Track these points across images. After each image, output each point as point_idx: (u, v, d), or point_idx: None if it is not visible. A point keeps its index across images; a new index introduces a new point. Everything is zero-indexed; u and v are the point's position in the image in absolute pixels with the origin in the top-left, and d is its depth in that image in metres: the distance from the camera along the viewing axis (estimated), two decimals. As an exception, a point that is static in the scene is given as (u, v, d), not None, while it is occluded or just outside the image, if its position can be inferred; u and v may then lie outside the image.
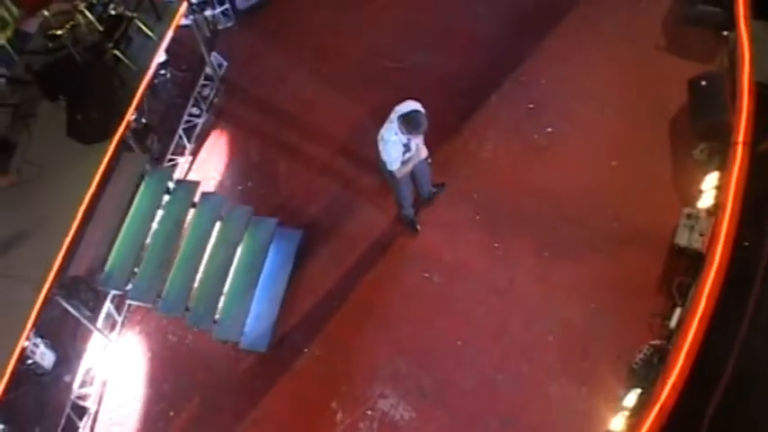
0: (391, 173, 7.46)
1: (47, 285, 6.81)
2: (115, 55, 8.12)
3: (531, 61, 9.40)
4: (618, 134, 8.57)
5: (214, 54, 10.27)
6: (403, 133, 6.98)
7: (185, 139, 9.63)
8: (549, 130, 8.78)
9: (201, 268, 7.95)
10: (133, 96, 8.15)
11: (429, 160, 7.63)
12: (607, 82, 9.04)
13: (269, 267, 8.25)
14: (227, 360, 7.96)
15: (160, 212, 8.06)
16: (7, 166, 7.73)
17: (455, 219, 8.38)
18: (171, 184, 8.22)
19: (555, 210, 8.17)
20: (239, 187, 9.16)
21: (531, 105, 9.00)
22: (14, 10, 8.40)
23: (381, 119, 7.21)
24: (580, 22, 9.71)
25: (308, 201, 8.91)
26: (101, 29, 7.91)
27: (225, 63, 10.40)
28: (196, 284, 7.83)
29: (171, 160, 9.39)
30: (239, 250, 8.19)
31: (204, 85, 10.06)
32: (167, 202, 8.14)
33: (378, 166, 7.50)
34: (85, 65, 7.84)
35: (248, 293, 7.98)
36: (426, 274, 8.06)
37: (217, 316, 7.84)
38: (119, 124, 7.85)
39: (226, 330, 7.82)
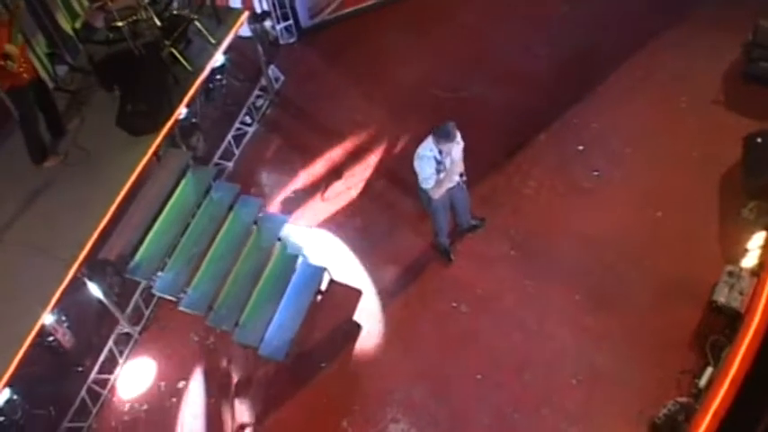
0: (429, 198, 7.50)
1: (76, 264, 6.93)
2: (172, 53, 8.33)
3: (585, 104, 9.36)
4: (666, 185, 8.43)
5: (272, 67, 10.45)
6: (436, 145, 7.04)
7: (234, 146, 9.77)
8: (596, 173, 8.69)
9: (232, 270, 7.99)
10: (184, 95, 8.33)
11: (464, 178, 7.59)
12: (660, 131, 8.92)
13: (297, 279, 8.25)
14: (245, 365, 7.97)
15: (197, 210, 8.15)
16: (57, 148, 7.96)
17: (490, 252, 8.31)
18: (212, 183, 8.33)
19: (593, 254, 8.03)
20: (279, 198, 9.21)
21: (581, 147, 8.92)
22: (84, 2, 8.72)
23: (426, 146, 7.34)
24: (638, 70, 9.66)
25: (347, 218, 8.93)
26: (159, 26, 8.11)
27: (282, 77, 10.58)
28: (224, 286, 7.86)
29: (217, 164, 9.54)
30: (272, 258, 8.21)
31: (259, 96, 10.24)
32: (206, 201, 8.23)
33: (418, 191, 7.51)
34: (142, 59, 8.07)
35: (273, 302, 7.98)
36: (455, 304, 7.98)
37: (240, 319, 7.84)
38: (167, 120, 8.03)
39: (247, 335, 7.82)
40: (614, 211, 8.35)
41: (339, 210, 9.05)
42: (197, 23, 8.70)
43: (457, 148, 7.26)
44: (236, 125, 9.98)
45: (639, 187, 8.48)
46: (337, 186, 9.23)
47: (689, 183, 8.39)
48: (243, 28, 9.26)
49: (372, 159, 9.42)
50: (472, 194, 8.05)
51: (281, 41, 11.01)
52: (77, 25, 8.74)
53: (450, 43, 10.55)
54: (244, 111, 10.08)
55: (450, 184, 7.49)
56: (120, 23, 7.97)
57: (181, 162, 8.23)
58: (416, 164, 7.22)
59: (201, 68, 8.61)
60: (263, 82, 10.29)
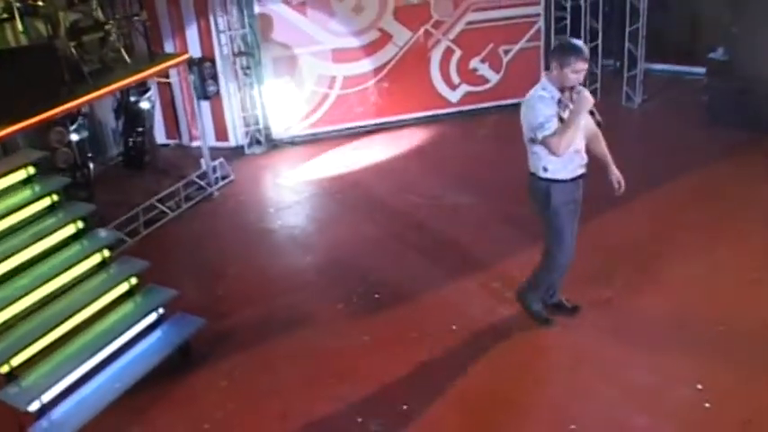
0: (547, 190, 5.10)
1: None
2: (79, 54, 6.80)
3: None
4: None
5: (221, 160, 8.47)
6: (553, 83, 4.90)
7: (141, 221, 7.47)
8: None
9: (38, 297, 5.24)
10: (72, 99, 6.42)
11: (599, 119, 5.01)
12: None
13: (138, 349, 5.38)
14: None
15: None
16: None
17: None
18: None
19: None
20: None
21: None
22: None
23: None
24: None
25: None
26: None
27: (231, 176, 8.49)
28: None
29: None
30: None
31: (192, 184, 8.12)
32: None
33: (529, 186, 5.26)
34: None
35: (80, 363, 5.08)
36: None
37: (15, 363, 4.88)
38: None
39: (18, 393, 4.80)
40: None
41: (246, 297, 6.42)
42: (114, 35, 7.04)
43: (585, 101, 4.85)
44: (153, 201, 7.75)
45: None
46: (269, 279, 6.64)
47: None
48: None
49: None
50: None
51: (247, 151, 9.14)
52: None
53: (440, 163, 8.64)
54: (169, 190, 7.95)
55: (581, 167, 5.13)
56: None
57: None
58: (526, 111, 4.98)
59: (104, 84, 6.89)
60: (204, 167, 8.22)
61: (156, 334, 5.59)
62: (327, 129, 9.48)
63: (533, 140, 4.97)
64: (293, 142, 9.42)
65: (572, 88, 4.84)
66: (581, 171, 5.15)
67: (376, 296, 6.20)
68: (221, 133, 9.24)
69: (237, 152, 9.20)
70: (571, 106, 4.85)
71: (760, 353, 5.09)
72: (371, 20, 9.15)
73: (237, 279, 6.77)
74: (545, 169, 5.06)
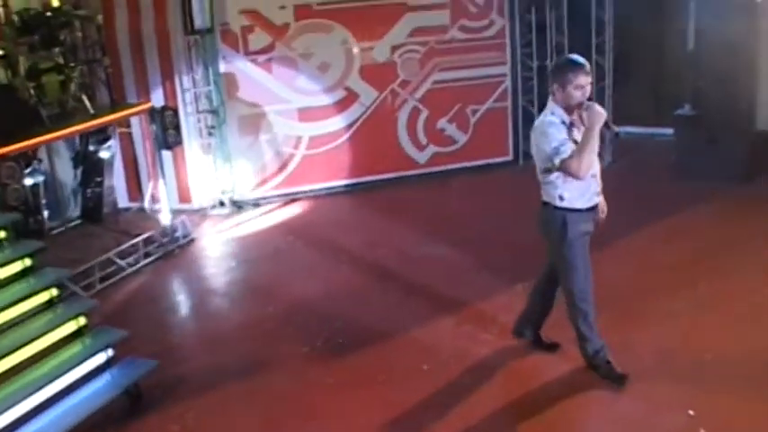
0: (563, 225, 4.81)
1: None
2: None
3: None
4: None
5: (183, 218, 8.23)
6: (560, 105, 4.69)
7: (97, 276, 7.16)
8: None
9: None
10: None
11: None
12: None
13: (84, 392, 5.01)
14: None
15: None
16: None
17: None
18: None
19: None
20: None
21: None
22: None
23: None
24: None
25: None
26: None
27: (191, 236, 8.22)
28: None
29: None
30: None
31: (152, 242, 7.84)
32: None
33: (540, 214, 5.00)
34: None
35: (20, 402, 4.69)
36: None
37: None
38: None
39: None
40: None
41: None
42: (74, 79, 6.90)
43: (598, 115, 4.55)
44: (111, 255, 7.44)
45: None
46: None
47: None
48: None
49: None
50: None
51: (211, 212, 8.90)
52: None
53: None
54: (127, 244, 7.68)
55: (597, 195, 4.95)
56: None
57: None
58: (537, 137, 4.73)
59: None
60: (164, 222, 7.97)
61: (105, 376, 5.20)
62: (293, 190, 9.26)
63: (548, 170, 4.70)
64: (258, 204, 9.18)
65: (580, 106, 4.60)
66: (597, 200, 4.94)
67: (341, 341, 5.87)
68: (184, 195, 8.95)
69: (201, 213, 8.94)
70: (581, 127, 4.63)
71: (751, 377, 4.88)
72: (337, 78, 9.09)
73: (195, 329, 6.48)
74: (561, 198, 4.79)
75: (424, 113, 9.46)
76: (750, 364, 5.04)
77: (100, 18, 8.32)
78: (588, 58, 4.86)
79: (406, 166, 9.57)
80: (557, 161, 4.57)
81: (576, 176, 4.57)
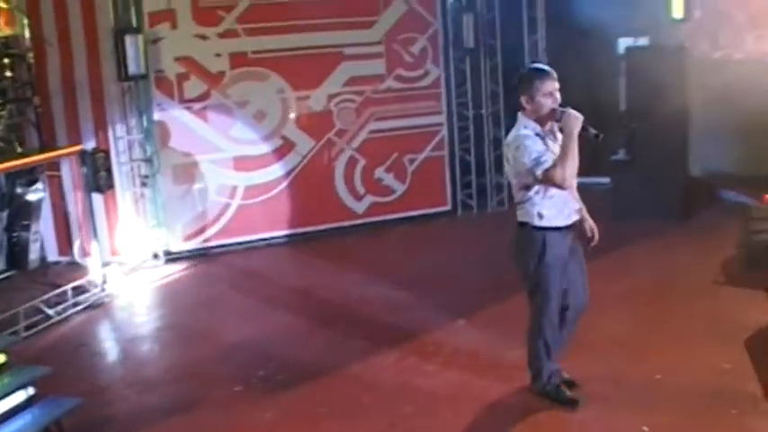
0: (536, 235, 4.65)
1: None
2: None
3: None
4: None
5: (115, 266, 7.97)
6: (531, 118, 4.59)
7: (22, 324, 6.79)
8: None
9: None
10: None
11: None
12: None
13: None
14: None
15: None
16: None
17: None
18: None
19: None
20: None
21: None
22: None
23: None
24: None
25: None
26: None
27: (126, 285, 7.93)
28: None
29: None
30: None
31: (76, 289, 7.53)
32: None
33: (516, 232, 4.82)
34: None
35: None
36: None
37: None
38: None
39: None
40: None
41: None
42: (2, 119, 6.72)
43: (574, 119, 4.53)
44: (37, 302, 7.14)
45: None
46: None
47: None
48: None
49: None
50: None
51: (144, 264, 8.61)
52: None
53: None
54: (55, 292, 7.40)
55: (576, 213, 4.78)
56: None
57: None
58: (512, 153, 4.59)
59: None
60: (93, 272, 7.69)
61: (26, 415, 4.86)
62: (228, 241, 9.03)
63: (527, 187, 4.57)
64: (192, 255, 8.92)
65: (551, 116, 4.49)
66: (576, 217, 4.76)
67: (279, 377, 5.65)
68: (116, 245, 8.59)
69: (133, 264, 8.61)
70: (556, 139, 4.55)
71: (700, 391, 4.94)
72: (274, 127, 9.01)
73: (124, 372, 6.14)
74: (540, 216, 4.62)
75: (362, 163, 9.42)
76: (697, 380, 5.10)
77: (31, 56, 8.14)
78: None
79: (344, 217, 9.45)
80: (539, 172, 4.42)
81: (560, 185, 4.42)
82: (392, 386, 5.39)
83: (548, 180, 4.42)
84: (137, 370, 6.12)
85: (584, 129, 4.39)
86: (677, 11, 8.58)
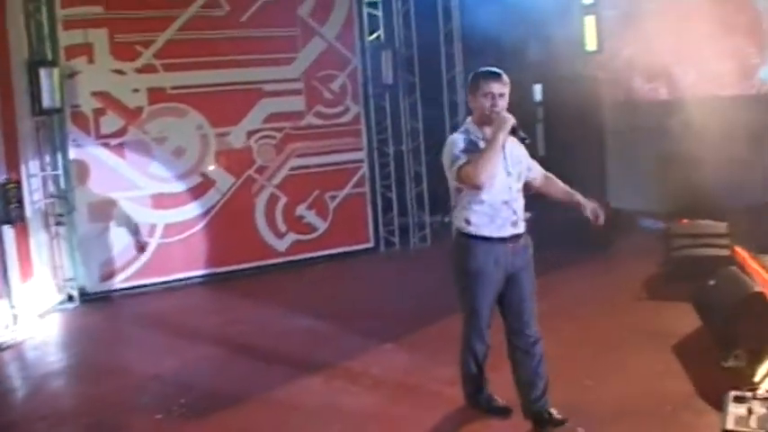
0: (465, 266, 4.56)
1: None
2: None
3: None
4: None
5: (26, 310, 7.62)
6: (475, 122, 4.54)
7: None
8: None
9: None
10: None
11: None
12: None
13: None
14: None
15: None
16: None
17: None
18: None
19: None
20: None
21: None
22: None
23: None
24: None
25: None
26: None
27: (39, 327, 7.61)
28: None
29: None
30: None
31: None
32: None
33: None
34: None
35: None
36: None
37: None
38: None
39: None
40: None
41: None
42: None
43: (516, 146, 4.59)
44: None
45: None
46: None
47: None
48: None
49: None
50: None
51: (59, 307, 8.29)
52: None
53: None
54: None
55: (513, 226, 4.56)
56: None
57: None
58: (443, 155, 4.54)
59: None
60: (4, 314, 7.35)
61: None
62: (147, 281, 8.79)
63: (460, 189, 4.50)
64: (109, 296, 8.64)
65: (513, 130, 4.39)
66: (513, 231, 4.52)
67: (202, 405, 5.45)
68: (28, 285, 8.24)
69: (47, 304, 8.28)
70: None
71: (634, 393, 5.12)
72: (193, 164, 8.91)
73: (35, 407, 5.81)
74: (468, 222, 4.50)
75: (283, 200, 9.38)
76: (629, 383, 5.27)
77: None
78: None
79: (266, 255, 9.35)
80: (454, 169, 4.38)
81: (473, 183, 4.31)
82: (319, 406, 5.28)
83: (463, 179, 4.37)
84: (50, 403, 5.82)
85: (513, 131, 4.37)
86: (590, 44, 8.96)
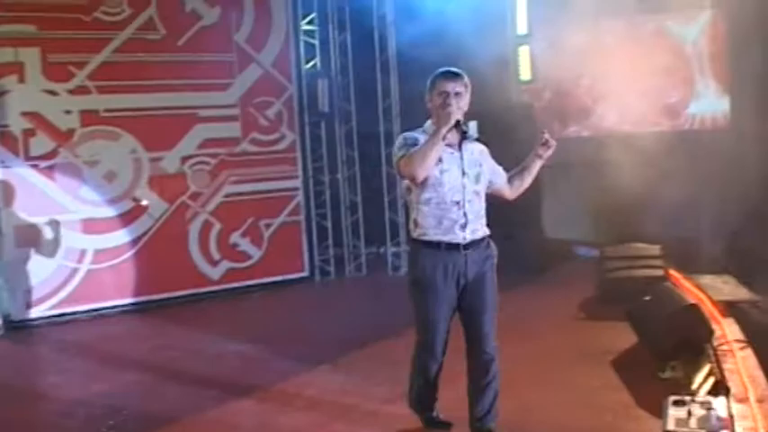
0: (411, 272, 4.51)
1: None
2: None
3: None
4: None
5: None
6: (430, 103, 4.41)
7: None
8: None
9: None
10: None
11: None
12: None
13: None
14: None
15: None
16: None
17: None
18: None
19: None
20: None
21: None
22: None
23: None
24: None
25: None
26: None
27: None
28: None
29: None
30: None
31: None
32: None
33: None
34: None
35: None
36: None
37: None
38: None
39: None
40: None
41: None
42: None
43: (478, 148, 4.52)
44: None
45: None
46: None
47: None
48: None
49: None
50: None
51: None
52: None
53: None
54: None
55: (462, 231, 4.37)
56: None
57: None
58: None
59: None
60: None
61: None
62: (76, 309, 8.52)
63: (409, 189, 4.41)
64: (37, 323, 8.36)
65: (457, 124, 4.27)
66: (464, 237, 4.34)
67: (131, 427, 5.32)
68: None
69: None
70: (464, 149, 4.41)
71: (575, 406, 5.20)
72: (125, 189, 8.75)
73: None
74: (415, 223, 4.38)
75: (217, 227, 9.28)
76: (569, 397, 5.35)
77: None
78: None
79: (199, 283, 9.20)
80: (395, 161, 4.33)
81: (410, 174, 4.22)
82: (254, 426, 5.21)
83: (401, 171, 4.30)
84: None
85: (457, 124, 4.28)
86: (525, 73, 9.20)
